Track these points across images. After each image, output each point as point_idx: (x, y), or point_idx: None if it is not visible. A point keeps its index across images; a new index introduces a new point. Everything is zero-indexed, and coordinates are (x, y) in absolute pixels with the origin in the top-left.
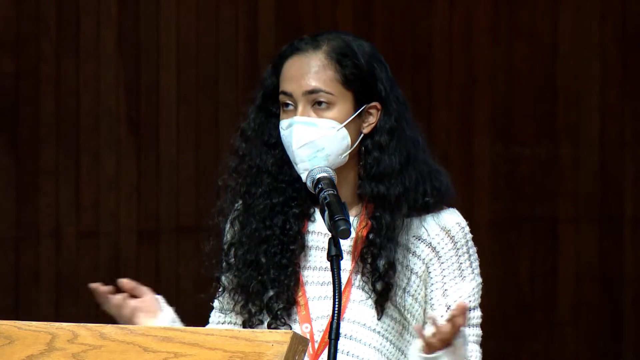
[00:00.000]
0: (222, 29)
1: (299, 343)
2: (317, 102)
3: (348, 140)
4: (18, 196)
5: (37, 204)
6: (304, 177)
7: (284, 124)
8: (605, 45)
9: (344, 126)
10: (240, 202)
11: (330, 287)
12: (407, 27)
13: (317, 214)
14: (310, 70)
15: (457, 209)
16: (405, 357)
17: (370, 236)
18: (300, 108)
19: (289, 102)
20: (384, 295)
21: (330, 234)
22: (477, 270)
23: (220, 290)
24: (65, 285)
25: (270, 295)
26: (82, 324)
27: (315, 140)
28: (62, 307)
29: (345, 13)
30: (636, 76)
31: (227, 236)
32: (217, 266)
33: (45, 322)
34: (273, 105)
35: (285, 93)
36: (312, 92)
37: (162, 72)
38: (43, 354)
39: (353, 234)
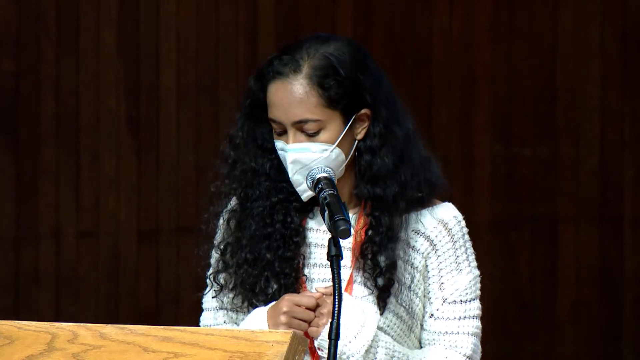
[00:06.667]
0: (222, 29)
1: (299, 343)
2: (306, 129)
3: (342, 156)
4: (18, 196)
5: (37, 204)
6: (304, 197)
7: (278, 144)
8: (605, 45)
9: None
10: (235, 201)
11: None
12: (407, 27)
13: (316, 211)
14: (294, 100)
15: (458, 208)
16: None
17: (370, 233)
18: (290, 136)
19: (279, 128)
20: (385, 290)
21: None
22: (474, 263)
23: (217, 289)
24: (65, 285)
25: (275, 289)
26: (82, 324)
27: (310, 164)
28: (62, 307)
29: (345, 13)
30: (636, 76)
31: (223, 235)
32: (211, 266)
33: (45, 322)
34: (262, 112)
35: (274, 120)
36: (300, 122)
37: (162, 72)
38: (43, 354)
39: (353, 232)
